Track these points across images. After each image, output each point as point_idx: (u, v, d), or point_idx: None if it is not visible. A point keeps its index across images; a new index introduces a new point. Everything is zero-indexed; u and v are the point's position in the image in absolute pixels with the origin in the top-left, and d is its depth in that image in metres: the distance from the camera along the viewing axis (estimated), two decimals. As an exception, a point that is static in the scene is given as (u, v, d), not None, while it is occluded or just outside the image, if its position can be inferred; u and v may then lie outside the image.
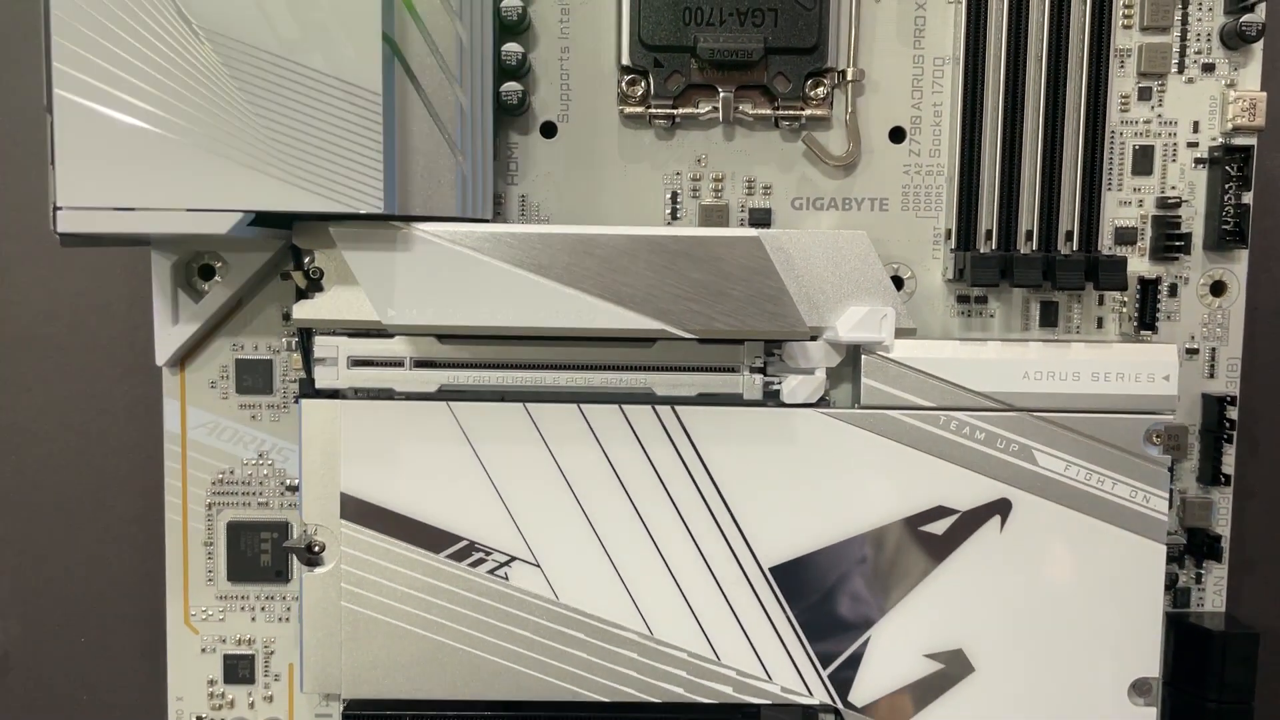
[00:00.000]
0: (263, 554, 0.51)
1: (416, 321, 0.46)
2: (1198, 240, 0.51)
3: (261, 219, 0.44)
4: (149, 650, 0.54)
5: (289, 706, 0.52)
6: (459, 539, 0.48)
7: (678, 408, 0.48)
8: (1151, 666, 0.49)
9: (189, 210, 0.43)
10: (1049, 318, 0.51)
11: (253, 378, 0.51)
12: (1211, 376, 0.52)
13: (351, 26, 0.42)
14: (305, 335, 0.48)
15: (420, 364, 0.48)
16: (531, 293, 0.46)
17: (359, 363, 0.48)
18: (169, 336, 0.50)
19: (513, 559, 0.48)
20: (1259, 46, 0.49)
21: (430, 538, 0.48)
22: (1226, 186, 0.50)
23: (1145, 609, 0.49)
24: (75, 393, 0.53)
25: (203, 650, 0.52)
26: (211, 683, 0.52)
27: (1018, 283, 0.48)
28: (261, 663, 0.52)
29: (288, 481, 0.51)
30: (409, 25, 0.44)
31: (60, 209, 0.42)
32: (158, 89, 0.42)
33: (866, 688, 0.49)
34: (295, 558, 0.49)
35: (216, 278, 0.50)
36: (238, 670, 0.52)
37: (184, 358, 0.51)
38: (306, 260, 0.47)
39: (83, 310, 0.53)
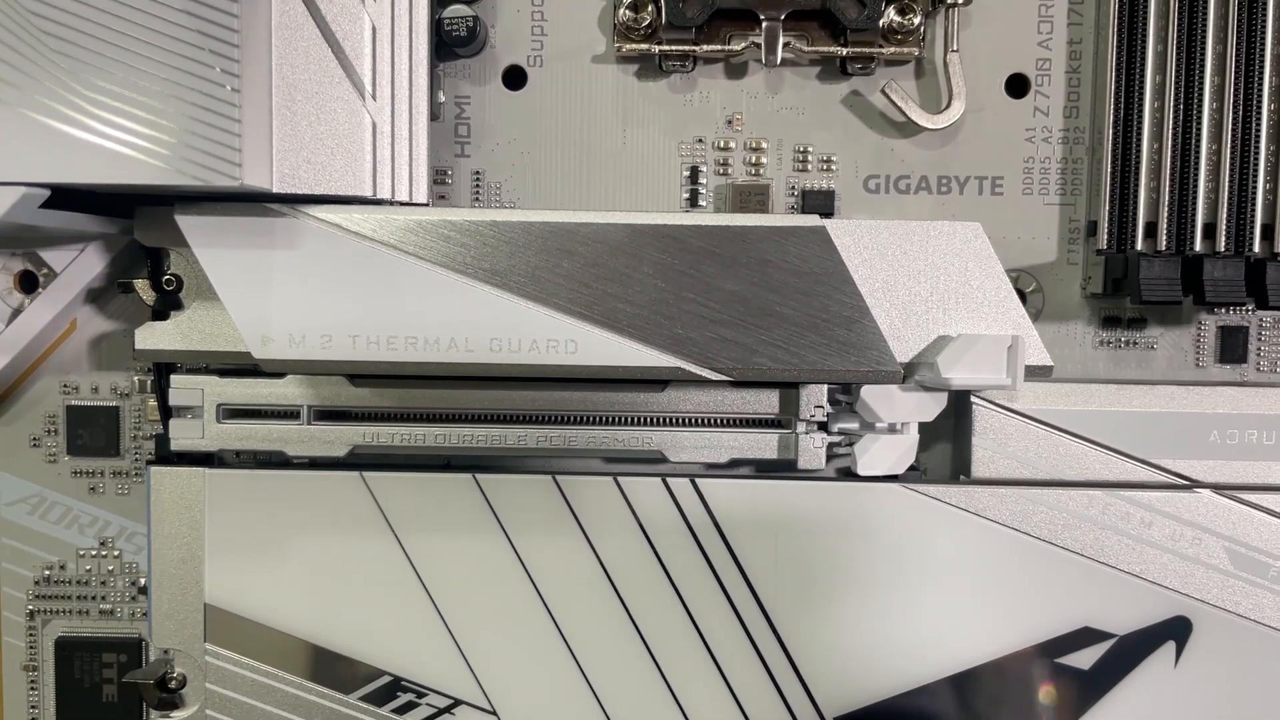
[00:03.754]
0: (105, 684, 0.45)
1: (307, 355, 0.40)
2: None
3: (78, 200, 0.38)
4: None
5: None
6: (379, 674, 0.42)
7: (700, 480, 0.43)
8: None
9: None
10: (1234, 351, 0.45)
11: (91, 432, 0.45)
12: None
13: None
14: (162, 373, 0.42)
15: (323, 415, 0.42)
16: (482, 311, 0.40)
17: (235, 413, 0.42)
18: None
19: (457, 703, 0.42)
20: None
21: (337, 672, 0.42)
22: None
23: None
24: None
25: None
26: None
27: (1211, 299, 0.42)
28: None
29: (140, 581, 0.46)
30: None
31: None
32: None
33: None
34: (144, 696, 0.42)
35: (39, 289, 0.43)
36: None
37: None
38: (165, 265, 0.41)
39: None
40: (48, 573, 0.45)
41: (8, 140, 0.34)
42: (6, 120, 0.34)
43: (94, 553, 0.45)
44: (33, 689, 0.45)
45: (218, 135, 0.34)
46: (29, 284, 0.43)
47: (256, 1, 0.35)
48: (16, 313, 0.43)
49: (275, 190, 0.37)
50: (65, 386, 0.44)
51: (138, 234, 0.40)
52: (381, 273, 0.40)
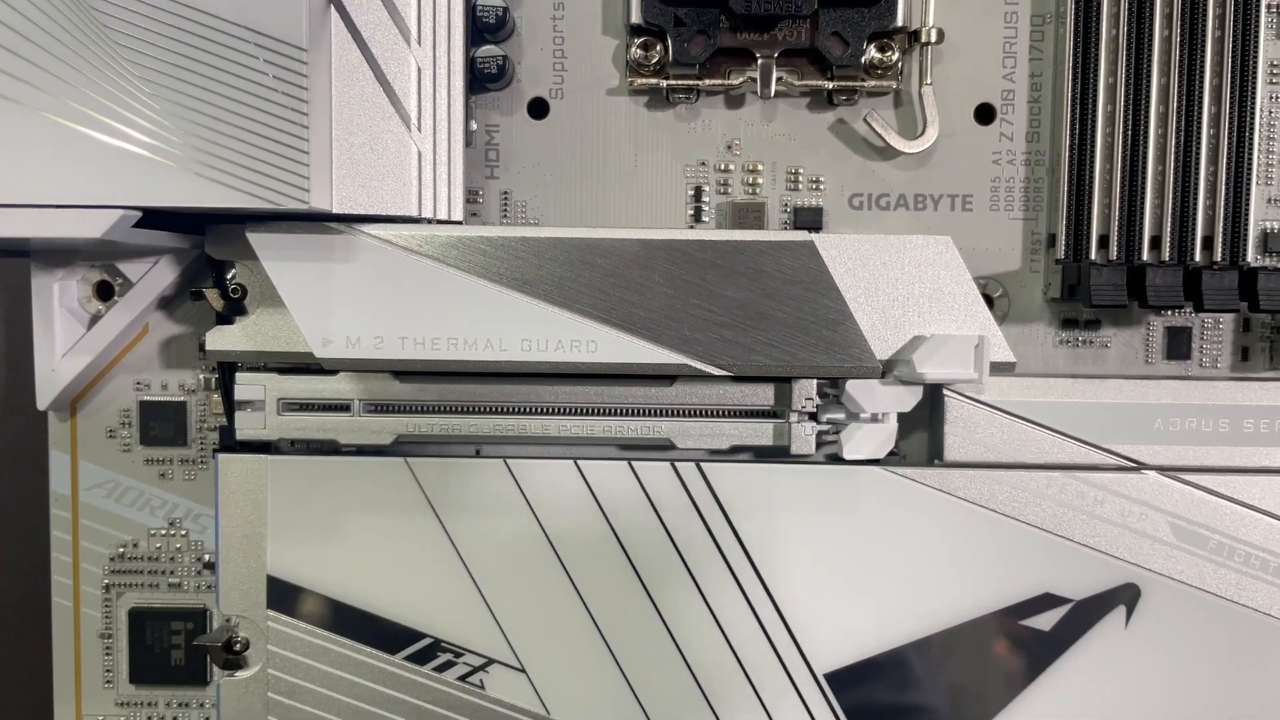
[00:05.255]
0: (174, 650, 0.47)
1: (362, 355, 0.43)
2: None
3: (159, 219, 0.40)
4: None
5: (206, 844, 0.48)
6: (421, 636, 0.45)
7: (704, 465, 0.45)
8: None
9: (56, 207, 0.38)
10: (1179, 348, 0.47)
11: (161, 425, 0.47)
12: None
13: None
14: (226, 372, 0.45)
15: (372, 408, 0.44)
16: (513, 316, 0.43)
17: (293, 406, 0.44)
18: (55, 373, 0.45)
19: (490, 662, 0.45)
20: None
21: (383, 634, 0.45)
22: None
23: None
24: None
25: None
26: (110, 810, 0.49)
27: (1152, 302, 0.44)
28: None
29: (205, 557, 0.48)
30: None
31: None
32: (20, 51, 0.37)
33: (952, 830, 0.45)
34: (211, 658, 0.45)
35: (115, 298, 0.46)
36: None
37: (75, 400, 0.47)
38: (230, 275, 0.44)
39: None
40: (122, 550, 0.47)
41: (110, 168, 0.37)
42: (108, 151, 0.37)
43: (163, 532, 0.47)
44: (107, 654, 0.47)
45: (289, 165, 0.38)
46: (105, 292, 0.45)
47: (320, 49, 0.38)
48: (95, 319, 0.45)
49: (335, 211, 0.40)
50: (138, 384, 0.46)
51: (209, 248, 0.42)
52: (426, 282, 0.42)
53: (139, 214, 0.37)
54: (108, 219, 0.37)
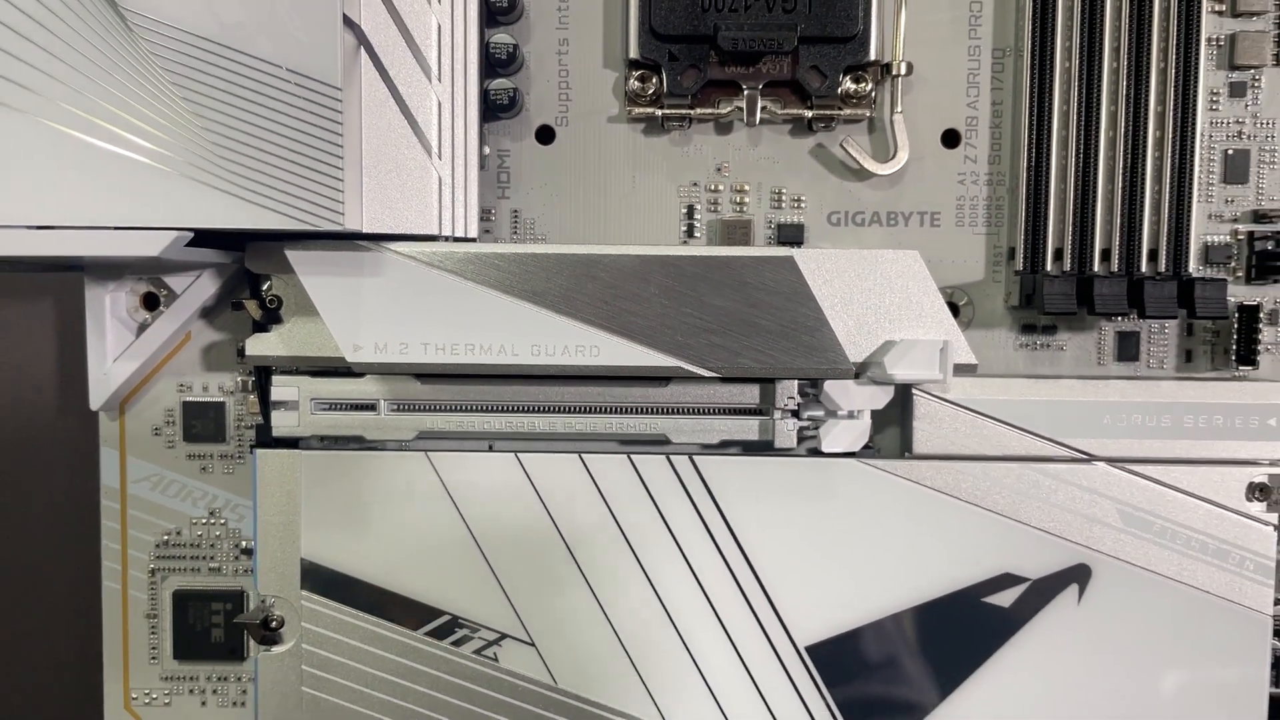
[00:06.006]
0: (214, 628, 0.49)
1: (389, 359, 0.44)
2: None
3: (205, 239, 0.42)
4: None
5: (244, 806, 0.50)
6: (440, 613, 0.46)
7: (696, 457, 0.46)
8: None
9: (116, 229, 0.40)
10: (1129, 351, 0.49)
11: (202, 423, 0.48)
12: None
13: (306, 7, 0.39)
14: (262, 375, 0.46)
15: (395, 407, 0.46)
16: (524, 324, 0.44)
17: (324, 406, 0.46)
18: (106, 376, 0.47)
19: (503, 637, 0.46)
20: (1370, 33, 0.47)
21: (406, 612, 0.46)
22: None
23: (1249, 691, 0.46)
24: None
25: None
26: (155, 777, 0.50)
27: (1099, 310, 0.46)
28: None
29: (243, 544, 0.49)
30: (377, 7, 0.41)
31: None
32: (80, 88, 0.39)
33: (920, 788, 0.46)
34: (249, 635, 0.47)
35: (160, 308, 0.47)
36: None
37: (124, 401, 0.48)
38: (265, 287, 0.45)
39: (7, 345, 0.53)
40: (166, 538, 0.48)
41: (168, 195, 0.39)
42: (164, 178, 0.39)
43: (204, 521, 0.48)
44: (153, 633, 0.49)
45: (325, 189, 0.40)
46: (151, 303, 0.47)
47: (352, 86, 0.40)
48: (143, 327, 0.47)
49: (365, 230, 0.42)
50: (181, 386, 0.48)
51: (248, 264, 0.44)
52: (446, 294, 0.43)
53: (191, 234, 0.39)
54: (165, 239, 0.39)
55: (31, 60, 0.39)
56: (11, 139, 0.39)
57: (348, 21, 0.40)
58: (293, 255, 0.43)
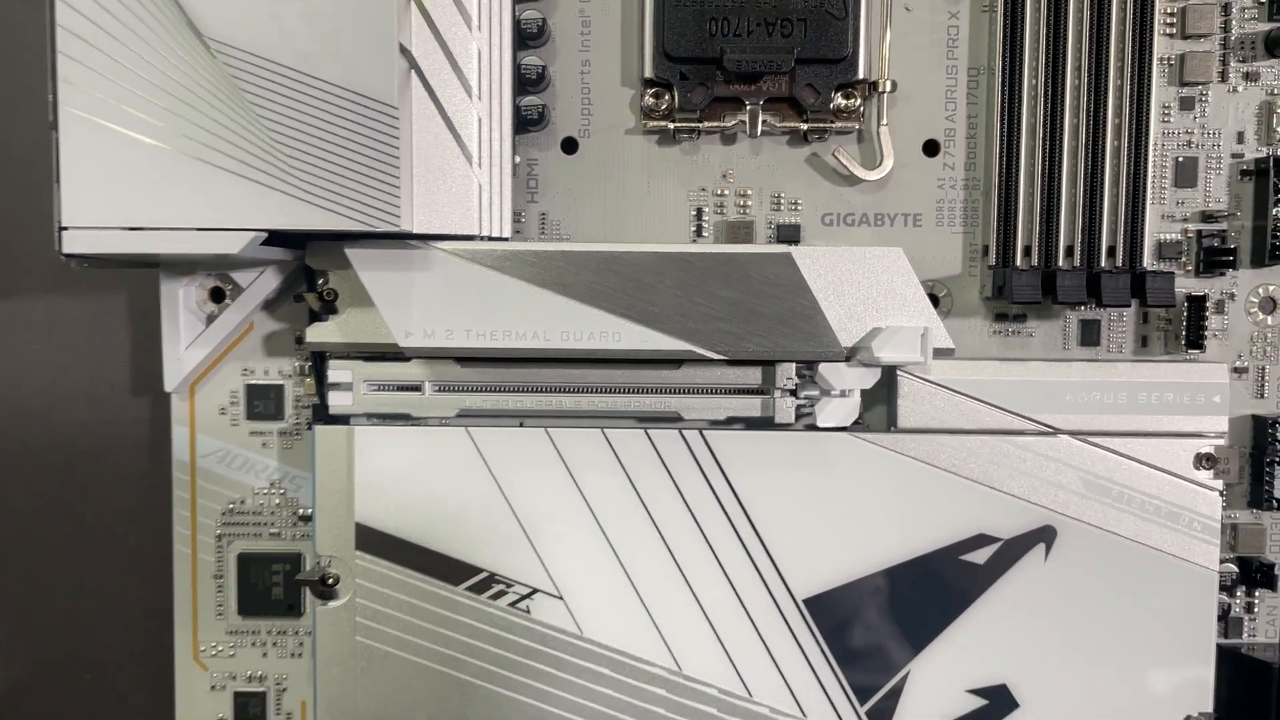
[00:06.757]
0: (274, 587, 0.51)
1: (436, 344, 0.46)
2: (1244, 255, 0.50)
3: (274, 238, 0.44)
4: (156, 687, 0.53)
5: (302, 746, 0.52)
6: (479, 570, 0.48)
7: (706, 432, 0.47)
8: (1204, 701, 0.48)
9: (199, 230, 0.43)
10: (1091, 336, 0.51)
11: (264, 403, 0.50)
12: (1261, 396, 0.50)
13: (367, 38, 0.42)
14: (318, 359, 0.48)
15: (439, 387, 0.48)
16: (554, 313, 0.46)
17: (375, 387, 0.48)
18: (179, 362, 0.49)
19: (535, 591, 0.48)
20: (1305, 54, 0.48)
21: (449, 569, 0.48)
22: (1275, 199, 0.49)
23: (1197, 640, 0.48)
24: (81, 420, 0.53)
25: (212, 687, 0.51)
26: (221, 721, 0.51)
27: (1061, 299, 0.48)
28: (273, 700, 0.51)
29: (300, 511, 0.51)
30: (426, 36, 0.44)
31: (66, 229, 0.42)
32: (167, 104, 0.42)
33: (906, 725, 0.48)
34: (308, 591, 0.48)
35: (226, 300, 0.50)
36: (249, 708, 0.51)
37: (193, 383, 0.50)
38: (320, 281, 0.47)
39: (89, 333, 0.54)
40: (231, 506, 0.50)
41: (245, 200, 0.42)
42: (244, 186, 0.42)
43: (265, 491, 0.50)
44: (219, 592, 0.51)
45: (383, 195, 0.42)
46: (218, 296, 0.49)
47: (405, 105, 0.43)
48: (211, 318, 0.49)
49: (415, 231, 0.44)
50: (245, 370, 0.50)
51: (309, 260, 0.46)
52: (485, 287, 0.46)
53: (266, 234, 0.42)
54: (243, 239, 0.42)
55: (128, 84, 0.42)
56: (110, 152, 0.42)
57: (402, 49, 0.42)
58: (352, 253, 0.45)
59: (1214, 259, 0.49)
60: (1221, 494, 0.48)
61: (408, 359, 0.47)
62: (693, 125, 0.49)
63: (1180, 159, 0.50)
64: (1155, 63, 0.48)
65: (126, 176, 0.42)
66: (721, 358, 0.46)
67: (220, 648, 0.51)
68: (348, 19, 0.42)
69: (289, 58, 0.42)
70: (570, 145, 0.50)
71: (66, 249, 0.42)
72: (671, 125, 0.49)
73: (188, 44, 0.42)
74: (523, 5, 0.48)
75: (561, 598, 0.48)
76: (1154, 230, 0.49)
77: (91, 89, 0.42)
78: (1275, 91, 0.49)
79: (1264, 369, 0.50)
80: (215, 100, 0.42)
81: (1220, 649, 0.49)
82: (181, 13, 0.42)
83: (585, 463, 0.48)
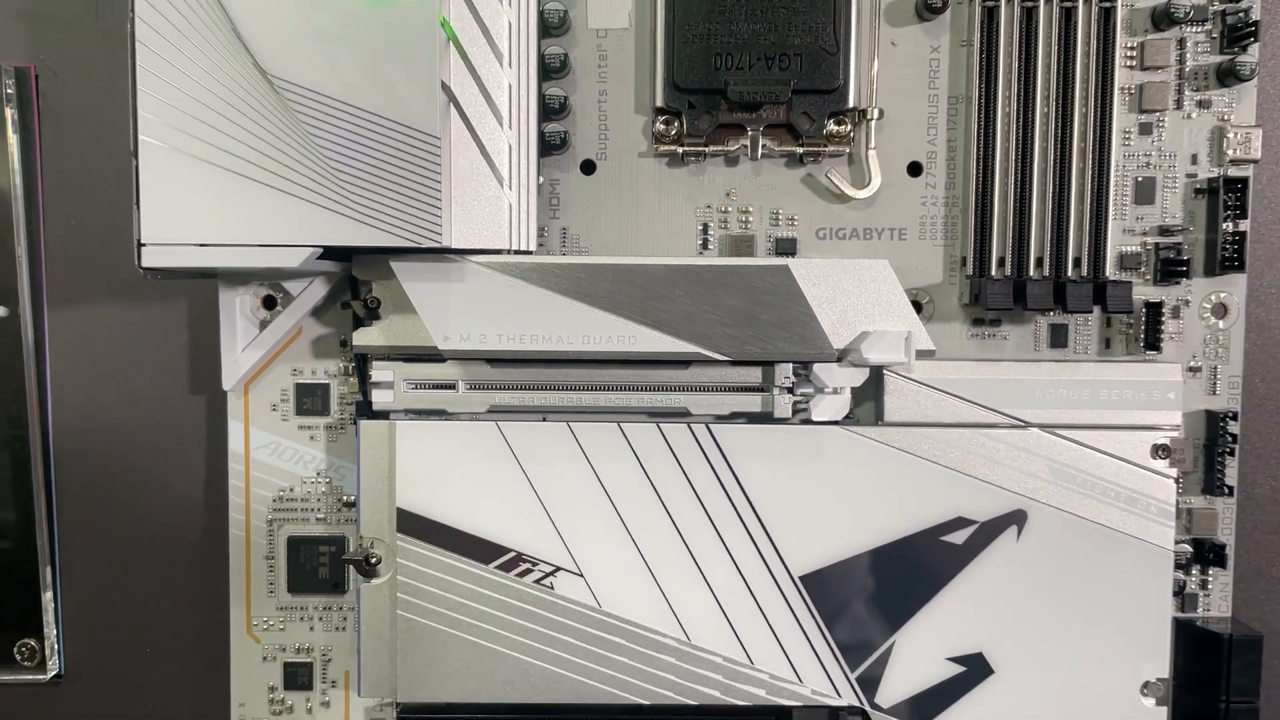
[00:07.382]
0: (321, 567, 0.53)
1: (470, 347, 0.48)
2: (1198, 265, 0.52)
3: (325, 253, 0.46)
4: (212, 659, 0.55)
5: (345, 711, 0.54)
6: (507, 550, 0.50)
7: (712, 425, 0.49)
8: (1161, 668, 0.50)
9: (262, 245, 0.45)
10: (1059, 339, 0.52)
11: (311, 400, 0.53)
12: (1214, 393, 0.53)
13: (412, 75, 0.45)
14: (361, 360, 0.51)
15: (471, 386, 0.50)
16: (575, 319, 0.48)
17: (414, 385, 0.50)
18: (235, 363, 0.52)
19: (557, 569, 0.50)
20: (1253, 84, 0.51)
21: (480, 549, 0.50)
22: (1225, 215, 0.51)
23: (1155, 614, 0.50)
24: (145, 415, 0.55)
25: (264, 658, 0.54)
26: (272, 689, 0.54)
27: (1030, 306, 0.50)
28: (319, 670, 0.54)
29: (344, 498, 0.53)
30: (463, 72, 0.46)
31: (144, 245, 0.45)
32: (234, 134, 0.45)
33: (892, 689, 0.50)
34: (353, 569, 0.50)
35: (278, 307, 0.52)
36: (297, 677, 0.54)
37: (248, 382, 0.52)
38: (364, 290, 0.49)
39: (155, 338, 0.55)
40: (282, 494, 0.52)
41: (302, 219, 0.44)
42: (301, 207, 0.44)
43: (312, 480, 0.52)
44: (270, 571, 0.53)
45: (426, 214, 0.44)
46: (270, 303, 0.52)
47: (446, 133, 0.45)
48: (264, 324, 0.51)
49: (453, 246, 0.46)
50: (294, 370, 0.52)
51: (355, 271, 0.48)
52: (514, 295, 0.48)
53: (321, 250, 0.44)
54: (301, 254, 0.44)
55: (199, 116, 0.45)
56: (184, 177, 0.45)
57: (443, 85, 0.45)
58: (396, 265, 0.48)
59: (1170, 269, 0.51)
60: (1177, 481, 0.50)
61: (443, 360, 0.49)
62: (699, 149, 0.51)
63: (1139, 179, 0.52)
64: (1117, 92, 0.50)
65: (197, 198, 0.44)
66: (726, 359, 0.48)
67: (271, 622, 0.53)
68: (394, 58, 0.44)
69: (343, 92, 0.44)
70: (589, 167, 0.52)
71: (145, 263, 0.45)
72: (680, 149, 0.51)
73: (253, 80, 0.45)
74: (547, 41, 0.51)
75: (582, 575, 0.50)
76: (1116, 243, 0.51)
77: (168, 120, 0.45)
78: (1226, 118, 0.51)
79: (1216, 368, 0.53)
80: (277, 130, 0.44)
81: (1176, 621, 0.52)
82: (248, 53, 0.45)
83: (603, 453, 0.49)
